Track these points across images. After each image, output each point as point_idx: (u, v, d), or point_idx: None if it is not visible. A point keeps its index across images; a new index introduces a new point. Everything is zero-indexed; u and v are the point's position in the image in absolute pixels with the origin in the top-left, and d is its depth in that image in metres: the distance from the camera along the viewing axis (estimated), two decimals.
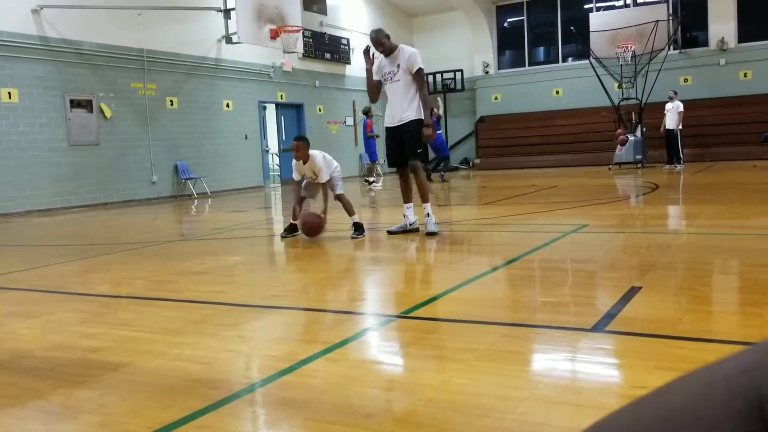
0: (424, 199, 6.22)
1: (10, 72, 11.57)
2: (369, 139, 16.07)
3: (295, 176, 6.67)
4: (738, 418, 0.28)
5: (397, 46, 6.20)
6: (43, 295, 4.35)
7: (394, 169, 6.66)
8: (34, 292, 4.48)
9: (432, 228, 6.15)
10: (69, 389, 2.42)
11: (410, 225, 6.38)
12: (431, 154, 15.87)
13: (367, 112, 16.10)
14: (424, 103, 6.19)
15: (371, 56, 6.33)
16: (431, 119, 6.40)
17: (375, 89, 6.30)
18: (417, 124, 6.14)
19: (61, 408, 2.26)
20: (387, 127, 6.34)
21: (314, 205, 6.84)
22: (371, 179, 15.59)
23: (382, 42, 6.16)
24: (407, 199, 6.39)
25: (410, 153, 6.20)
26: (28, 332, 3.33)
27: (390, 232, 6.36)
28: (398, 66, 6.10)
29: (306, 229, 6.29)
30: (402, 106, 6.13)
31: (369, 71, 6.29)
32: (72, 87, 12.56)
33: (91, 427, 2.08)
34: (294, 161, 6.52)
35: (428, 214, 6.20)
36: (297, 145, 6.37)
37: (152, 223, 9.71)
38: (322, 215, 6.33)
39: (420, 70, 6.10)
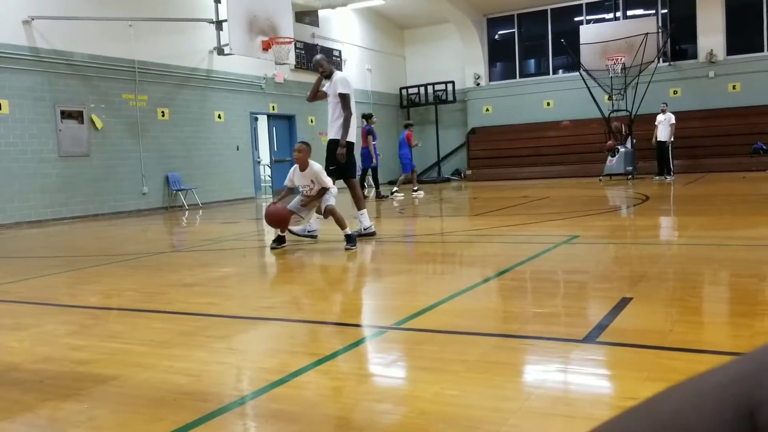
0: (360, 207, 7.01)
1: (1, 83, 11.53)
2: (405, 150, 15.60)
3: (288, 182, 6.61)
4: (729, 429, 0.28)
5: (333, 71, 7.06)
6: (32, 307, 4.32)
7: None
8: (23, 304, 4.45)
9: (352, 232, 6.60)
10: (58, 402, 2.40)
11: (365, 229, 6.93)
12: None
13: (409, 125, 15.99)
14: (344, 123, 6.84)
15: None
16: (345, 140, 6.92)
17: (314, 95, 7.29)
18: (334, 143, 6.91)
19: (49, 421, 2.24)
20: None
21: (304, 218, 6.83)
22: (415, 188, 15.44)
23: (321, 65, 7.06)
24: (360, 205, 7.05)
25: (332, 172, 6.84)
26: (17, 345, 3.30)
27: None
28: (330, 89, 6.93)
29: (270, 218, 6.38)
30: (331, 126, 6.95)
31: (320, 81, 7.20)
32: (63, 98, 12.53)
33: None
34: (292, 169, 6.51)
35: (360, 221, 6.93)
36: (300, 147, 6.49)
37: (143, 235, 9.67)
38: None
39: (342, 95, 6.86)
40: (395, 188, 15.03)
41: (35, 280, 5.46)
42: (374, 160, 14.79)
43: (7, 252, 8.09)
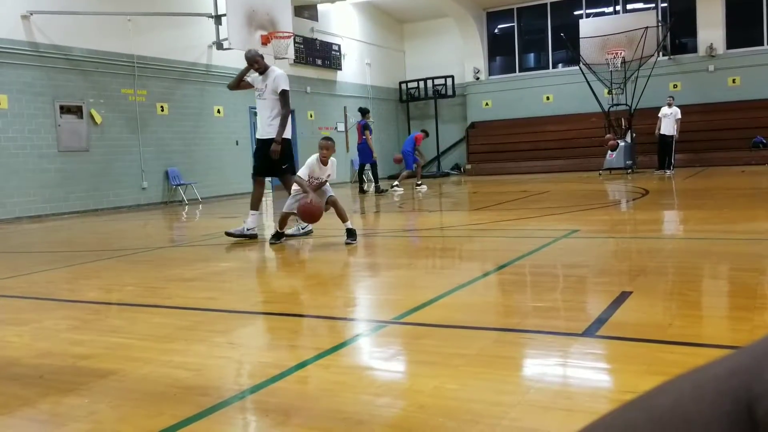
0: (253, 207, 6.97)
1: (0, 78, 11.51)
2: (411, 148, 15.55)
3: (304, 174, 6.37)
4: (727, 420, 0.28)
5: (269, 67, 6.88)
6: (32, 302, 4.32)
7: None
8: (22, 299, 4.45)
9: (234, 230, 6.83)
10: (58, 397, 2.40)
11: (248, 230, 6.91)
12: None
13: (425, 132, 15.94)
14: (282, 121, 6.74)
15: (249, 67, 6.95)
16: (281, 137, 6.81)
17: (237, 84, 7.10)
18: (271, 142, 6.74)
19: (49, 416, 2.24)
20: (257, 138, 7.01)
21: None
22: (419, 182, 15.44)
23: (256, 60, 6.85)
24: (255, 206, 6.96)
25: (265, 167, 6.88)
26: (17, 340, 3.30)
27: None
28: (266, 85, 6.76)
29: (304, 214, 6.21)
30: (265, 123, 6.81)
31: (246, 71, 7.02)
32: (62, 93, 12.51)
33: None
34: (311, 162, 6.36)
35: (245, 221, 6.89)
36: (329, 144, 6.41)
37: (142, 230, 9.67)
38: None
39: (284, 91, 6.72)
40: (396, 182, 15.01)
41: (35, 275, 5.46)
42: (373, 155, 14.71)
43: (7, 247, 8.09)
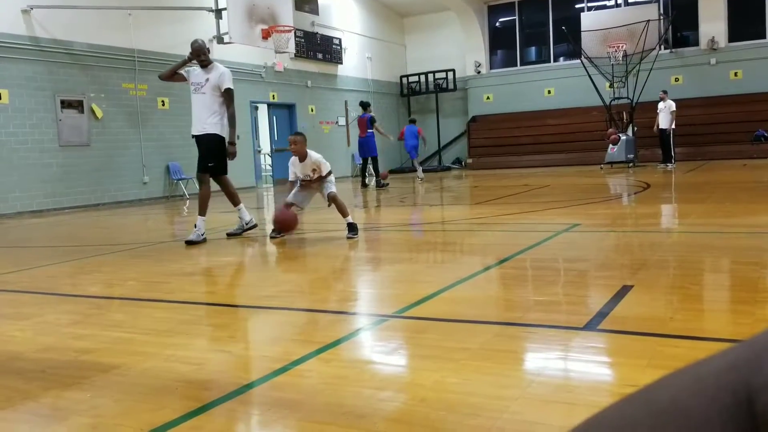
0: (201, 213, 6.62)
1: (1, 73, 11.50)
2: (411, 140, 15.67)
3: (291, 176, 6.53)
4: (727, 414, 0.28)
5: (212, 62, 6.61)
6: (34, 296, 4.33)
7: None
8: (24, 293, 4.46)
9: (192, 237, 6.45)
10: (60, 391, 2.41)
11: (247, 224, 6.85)
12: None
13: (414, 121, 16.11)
14: (231, 121, 6.61)
15: (191, 57, 6.59)
16: (234, 138, 6.74)
17: (171, 75, 6.66)
18: (215, 138, 6.56)
19: (52, 410, 2.25)
20: (192, 135, 6.72)
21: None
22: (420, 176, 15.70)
23: (204, 52, 6.52)
24: (203, 211, 6.63)
25: (203, 165, 6.64)
26: (19, 334, 3.31)
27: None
28: (207, 80, 6.48)
29: (279, 224, 6.31)
30: (203, 118, 6.52)
31: (185, 63, 6.65)
32: (63, 87, 12.51)
33: (83, 429, 2.07)
34: (291, 160, 6.46)
35: (196, 225, 6.55)
36: (295, 139, 6.36)
37: (144, 224, 9.68)
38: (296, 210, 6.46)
39: (229, 90, 6.54)
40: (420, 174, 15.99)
41: (37, 269, 5.47)
42: (375, 150, 14.68)
43: (9, 242, 8.10)
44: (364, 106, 15.03)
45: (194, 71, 6.60)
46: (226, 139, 6.63)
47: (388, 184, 14.68)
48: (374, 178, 15.10)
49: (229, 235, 6.81)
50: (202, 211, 6.63)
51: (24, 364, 2.80)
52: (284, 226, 6.33)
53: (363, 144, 14.73)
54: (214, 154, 6.61)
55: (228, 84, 6.54)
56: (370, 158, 14.81)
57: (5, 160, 11.54)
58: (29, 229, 9.50)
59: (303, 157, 6.38)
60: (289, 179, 6.58)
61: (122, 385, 2.47)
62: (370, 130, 14.50)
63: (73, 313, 3.75)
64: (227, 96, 6.55)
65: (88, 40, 12.86)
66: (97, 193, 13.10)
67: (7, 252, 7.11)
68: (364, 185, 14.91)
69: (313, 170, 6.42)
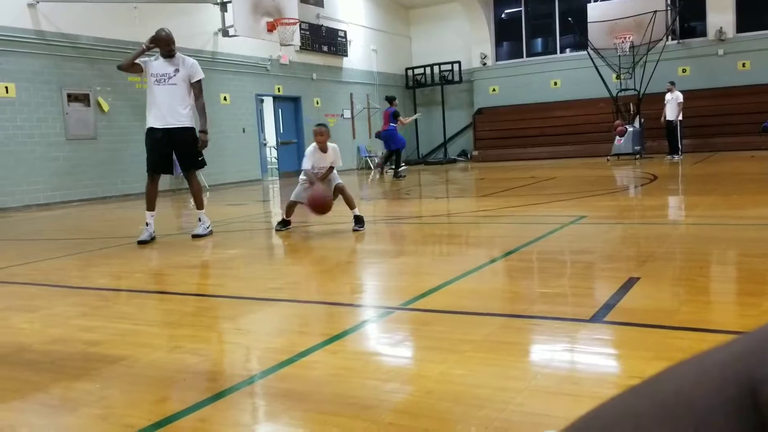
0: (200, 206, 6.55)
1: (7, 66, 11.53)
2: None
3: (308, 165, 6.29)
4: (731, 405, 0.28)
5: (176, 52, 6.39)
6: (43, 289, 4.35)
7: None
8: (33, 286, 4.49)
9: (200, 230, 6.41)
10: (69, 382, 2.43)
11: (207, 228, 6.53)
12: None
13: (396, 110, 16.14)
14: (203, 111, 6.50)
15: (151, 46, 6.34)
16: (208, 127, 6.61)
17: (131, 65, 6.27)
18: (193, 131, 6.42)
19: (61, 401, 2.27)
20: (153, 128, 6.30)
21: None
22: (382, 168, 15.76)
23: (173, 42, 6.34)
24: (153, 206, 6.44)
25: (190, 163, 6.49)
26: (28, 326, 3.33)
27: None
28: (176, 71, 6.28)
29: (314, 204, 5.99)
30: (176, 110, 6.27)
31: (143, 52, 6.28)
32: (69, 81, 12.53)
33: (92, 419, 2.09)
34: (310, 149, 6.32)
35: (200, 219, 6.51)
36: (322, 130, 6.27)
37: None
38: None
39: (200, 81, 6.45)
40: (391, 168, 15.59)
41: (45, 262, 5.50)
42: (398, 143, 14.90)
43: (17, 235, 8.14)
44: (390, 100, 15.32)
45: (155, 62, 6.31)
46: (197, 129, 6.47)
47: (404, 176, 14.82)
48: (393, 169, 15.26)
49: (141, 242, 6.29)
50: (202, 205, 6.58)
51: (33, 355, 2.82)
52: (322, 208, 6.02)
53: (385, 137, 15.02)
54: (195, 147, 6.47)
55: (200, 75, 6.45)
56: (395, 150, 15.08)
57: (13, 153, 11.58)
58: (37, 222, 9.55)
59: (326, 149, 6.33)
60: (305, 167, 6.33)
61: (130, 377, 2.49)
62: (393, 124, 14.70)
63: (81, 305, 3.77)
64: (198, 87, 6.44)
65: (93, 34, 12.87)
66: (104, 186, 13.13)
67: (16, 245, 7.14)
68: (380, 174, 15.08)
69: (332, 163, 6.38)
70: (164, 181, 14.32)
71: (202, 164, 6.69)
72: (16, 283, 4.67)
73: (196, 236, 6.39)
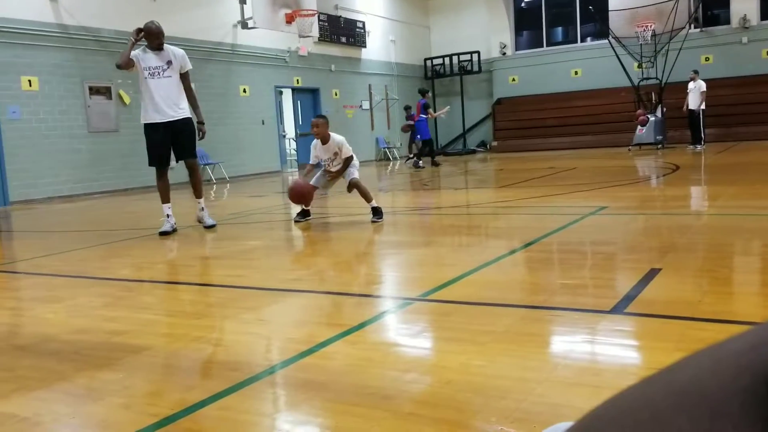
0: (200, 195, 6.55)
1: (30, 60, 11.67)
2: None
3: (312, 159, 6.55)
4: (745, 395, 0.29)
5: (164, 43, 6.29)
6: (66, 279, 4.42)
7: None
8: (57, 277, 4.55)
9: (210, 221, 6.47)
10: (93, 372, 2.47)
11: (208, 219, 6.55)
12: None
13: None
14: (196, 101, 6.46)
15: (139, 37, 6.20)
16: (202, 116, 6.57)
17: (128, 63, 6.12)
18: (191, 121, 6.38)
19: (86, 390, 2.30)
20: (155, 123, 6.22)
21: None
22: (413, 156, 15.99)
23: (162, 35, 6.23)
24: (168, 198, 6.50)
25: (190, 152, 6.43)
26: (53, 316, 3.39)
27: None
28: (169, 63, 6.21)
29: (293, 194, 6.28)
30: (176, 102, 6.25)
31: (133, 45, 6.12)
32: (91, 74, 12.65)
33: (116, 408, 2.12)
34: (313, 143, 6.49)
35: (203, 208, 6.54)
36: (317, 122, 6.35)
37: (172, 209, 9.77)
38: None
39: (189, 71, 6.40)
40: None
41: (68, 253, 5.57)
42: (425, 133, 15.26)
43: (41, 226, 8.26)
44: (422, 92, 15.63)
45: (146, 55, 6.22)
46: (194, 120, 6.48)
47: (424, 167, 15.01)
48: (420, 159, 15.49)
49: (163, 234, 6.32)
50: (201, 193, 6.62)
51: (58, 345, 2.87)
52: (298, 196, 6.30)
53: (420, 128, 15.17)
54: (194, 138, 6.45)
55: (190, 65, 6.42)
56: (424, 140, 15.36)
57: (36, 146, 11.74)
58: (60, 214, 9.67)
59: (325, 140, 6.39)
60: (310, 162, 6.59)
61: (153, 366, 2.52)
62: (423, 115, 15.07)
63: (104, 295, 3.82)
64: (187, 77, 6.39)
65: (114, 27, 12.97)
66: (126, 178, 13.26)
67: (40, 236, 7.25)
68: (436, 165, 15.42)
69: (335, 153, 6.44)
70: (184, 173, 14.45)
71: (193, 153, 6.65)
72: (41, 274, 4.74)
73: (210, 227, 6.46)
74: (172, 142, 6.31)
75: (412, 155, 16.36)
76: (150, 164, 6.45)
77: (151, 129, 6.28)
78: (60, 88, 12.14)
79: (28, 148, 11.61)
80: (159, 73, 6.18)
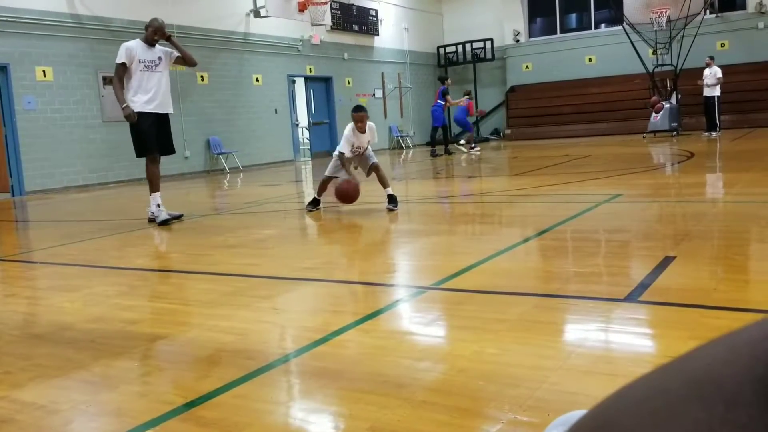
0: (156, 189, 6.56)
1: (44, 50, 11.73)
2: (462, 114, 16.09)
3: (348, 149, 6.32)
4: (759, 384, 0.28)
5: None
6: (83, 269, 4.46)
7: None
8: (73, 266, 4.60)
9: (165, 216, 6.38)
10: (109, 360, 2.50)
11: (171, 215, 6.54)
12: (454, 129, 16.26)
13: (468, 93, 16.37)
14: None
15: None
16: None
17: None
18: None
19: (102, 378, 2.33)
20: (148, 113, 6.34)
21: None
22: (473, 145, 16.09)
23: (162, 32, 6.44)
24: (158, 187, 6.61)
25: (172, 147, 6.88)
26: (69, 305, 3.42)
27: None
28: (160, 59, 6.44)
29: (341, 194, 6.21)
30: (167, 98, 6.54)
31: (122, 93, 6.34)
32: (104, 64, 12.67)
33: (132, 396, 2.14)
34: (351, 132, 6.32)
35: (159, 204, 6.49)
36: (363, 116, 6.31)
37: (186, 198, 9.84)
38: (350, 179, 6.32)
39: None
40: (463, 141, 16.37)
41: (84, 243, 5.62)
42: (438, 121, 15.29)
43: (57, 216, 8.33)
44: (442, 79, 15.70)
45: (139, 49, 6.34)
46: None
47: (440, 155, 15.18)
48: (435, 147, 15.61)
49: (156, 222, 6.42)
50: (158, 187, 6.61)
51: (74, 334, 2.90)
52: (347, 198, 6.25)
53: (437, 115, 15.31)
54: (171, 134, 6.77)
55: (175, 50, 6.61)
56: (440, 128, 15.40)
57: (51, 136, 11.82)
58: (75, 204, 9.75)
59: (363, 130, 6.36)
60: (346, 154, 6.34)
61: (168, 354, 2.55)
62: (441, 101, 15.13)
63: (120, 284, 3.85)
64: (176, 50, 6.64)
65: (127, 17, 13.00)
66: (140, 167, 13.14)
67: (56, 226, 7.31)
68: (436, 154, 15.40)
69: (368, 140, 6.45)
70: (199, 162, 14.53)
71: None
72: (57, 263, 4.79)
73: (163, 222, 6.32)
74: (156, 135, 6.51)
75: (461, 142, 16.65)
76: (147, 153, 6.56)
77: (144, 117, 6.37)
78: (74, 78, 12.20)
79: (43, 139, 11.70)
80: (153, 67, 6.40)
